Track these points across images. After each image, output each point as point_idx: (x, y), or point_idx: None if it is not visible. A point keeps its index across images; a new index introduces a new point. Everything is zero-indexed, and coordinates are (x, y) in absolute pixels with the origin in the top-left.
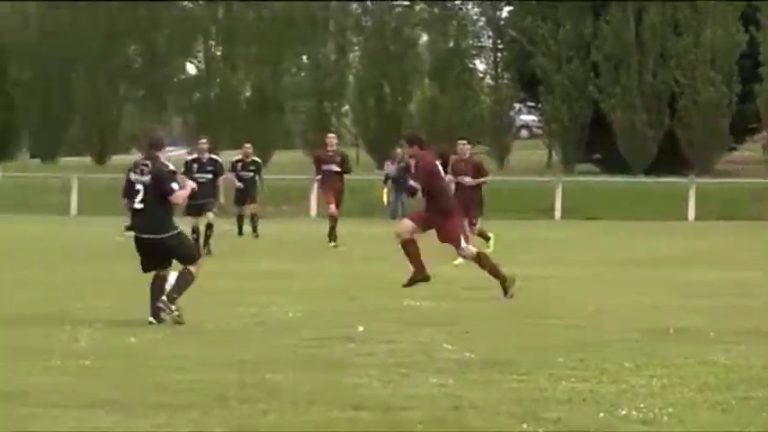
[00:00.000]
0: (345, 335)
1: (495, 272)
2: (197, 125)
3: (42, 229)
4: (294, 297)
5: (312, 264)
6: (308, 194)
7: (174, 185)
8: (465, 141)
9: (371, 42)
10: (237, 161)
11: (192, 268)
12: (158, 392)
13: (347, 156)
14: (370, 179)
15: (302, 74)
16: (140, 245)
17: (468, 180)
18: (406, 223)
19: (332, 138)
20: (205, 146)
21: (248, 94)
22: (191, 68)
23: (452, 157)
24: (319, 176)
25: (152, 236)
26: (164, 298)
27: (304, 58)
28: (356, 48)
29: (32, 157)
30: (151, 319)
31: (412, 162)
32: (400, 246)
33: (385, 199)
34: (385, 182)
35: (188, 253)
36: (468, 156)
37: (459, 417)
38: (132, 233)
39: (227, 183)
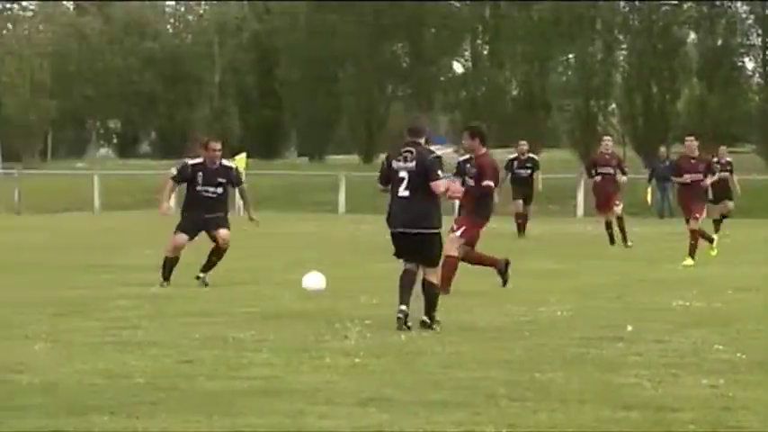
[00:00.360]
0: (614, 334)
1: (484, 261)
2: (463, 124)
3: (312, 227)
4: (562, 296)
5: (579, 263)
6: (574, 193)
7: (440, 172)
8: (693, 138)
9: (639, 41)
10: (513, 159)
11: (434, 278)
12: (430, 390)
13: (622, 158)
14: (636, 178)
15: (569, 72)
16: (398, 236)
17: (706, 181)
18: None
19: (608, 140)
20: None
21: (515, 92)
22: (457, 67)
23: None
24: (598, 178)
25: (415, 230)
26: (427, 319)
27: (571, 56)
28: (623, 46)
29: (300, 155)
30: (402, 307)
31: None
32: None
33: (649, 198)
34: (649, 180)
35: (437, 257)
36: (698, 153)
37: (731, 418)
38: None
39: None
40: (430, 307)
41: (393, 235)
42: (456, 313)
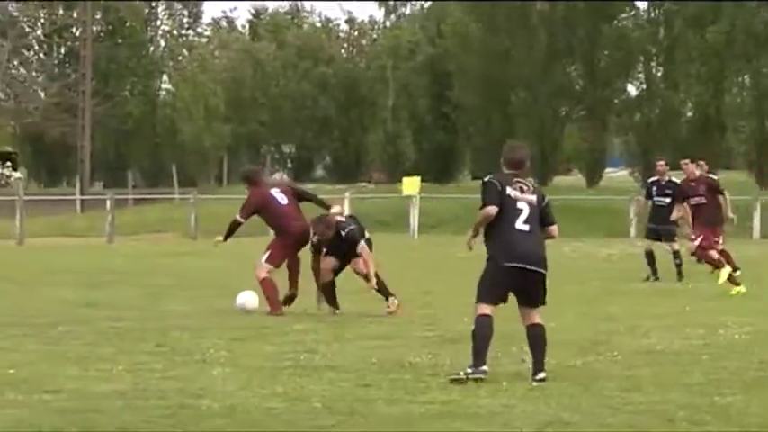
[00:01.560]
0: None
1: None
2: (638, 146)
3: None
4: (740, 319)
5: (757, 285)
6: (750, 215)
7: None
8: (688, 161)
9: None
10: (652, 183)
11: (539, 317)
12: (608, 414)
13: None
14: None
15: (744, 93)
16: (516, 273)
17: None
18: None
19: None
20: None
21: (689, 114)
22: (631, 89)
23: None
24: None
25: (540, 269)
26: (543, 375)
27: (746, 76)
28: None
29: (475, 178)
30: (484, 368)
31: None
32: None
33: None
34: None
35: (545, 295)
36: (698, 175)
37: None
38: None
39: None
40: (543, 353)
41: (507, 269)
42: (634, 337)
